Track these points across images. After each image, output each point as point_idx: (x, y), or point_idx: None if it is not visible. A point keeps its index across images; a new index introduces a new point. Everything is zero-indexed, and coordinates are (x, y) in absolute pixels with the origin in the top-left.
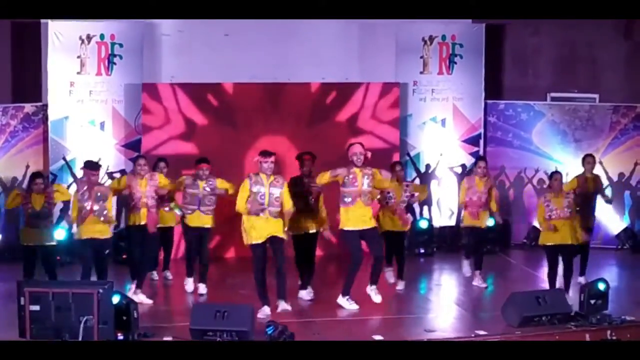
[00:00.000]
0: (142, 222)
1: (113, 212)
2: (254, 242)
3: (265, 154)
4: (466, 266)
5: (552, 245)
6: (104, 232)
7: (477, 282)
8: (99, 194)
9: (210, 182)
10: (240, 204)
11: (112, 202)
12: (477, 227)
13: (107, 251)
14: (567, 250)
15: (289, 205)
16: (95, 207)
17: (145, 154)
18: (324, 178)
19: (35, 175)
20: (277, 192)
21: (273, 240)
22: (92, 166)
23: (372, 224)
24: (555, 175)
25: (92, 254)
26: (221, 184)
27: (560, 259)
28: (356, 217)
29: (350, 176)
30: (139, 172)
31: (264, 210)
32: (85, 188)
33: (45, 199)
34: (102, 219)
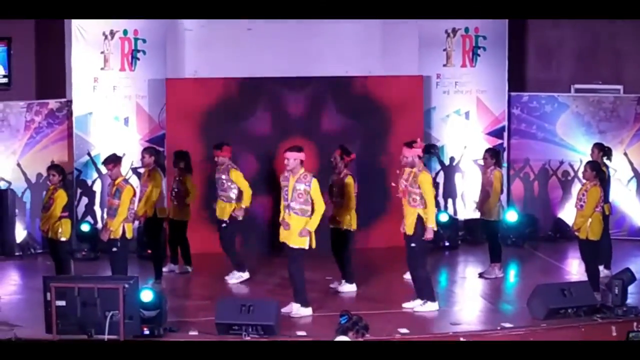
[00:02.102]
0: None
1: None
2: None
3: (291, 149)
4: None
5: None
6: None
7: (493, 274)
8: (115, 190)
9: (225, 170)
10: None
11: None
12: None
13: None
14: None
15: (319, 203)
16: (112, 203)
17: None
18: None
19: (49, 167)
20: (301, 187)
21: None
22: (104, 161)
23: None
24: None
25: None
26: (235, 178)
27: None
28: None
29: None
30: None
31: (286, 207)
32: (108, 184)
33: (50, 193)
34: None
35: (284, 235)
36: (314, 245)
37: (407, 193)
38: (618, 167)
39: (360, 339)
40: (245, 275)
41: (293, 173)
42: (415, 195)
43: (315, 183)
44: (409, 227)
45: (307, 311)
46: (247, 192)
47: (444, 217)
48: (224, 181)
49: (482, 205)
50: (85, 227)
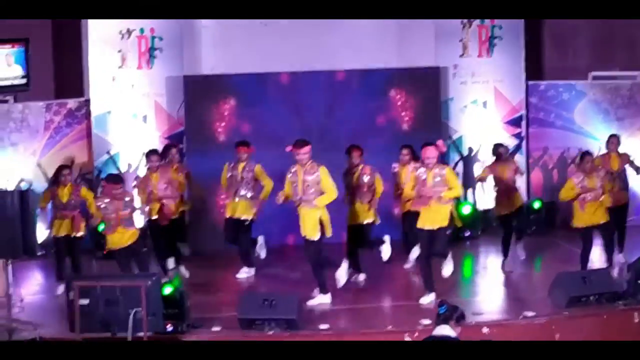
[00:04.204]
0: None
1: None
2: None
3: (297, 144)
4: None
5: (585, 227)
6: (133, 237)
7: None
8: (124, 202)
9: (249, 168)
10: (288, 193)
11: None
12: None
13: (144, 249)
14: (604, 227)
15: (329, 188)
16: (124, 215)
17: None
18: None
19: (61, 167)
20: (309, 178)
21: (304, 239)
22: (113, 180)
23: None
24: (586, 157)
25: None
26: (260, 173)
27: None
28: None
29: (423, 177)
30: (151, 169)
31: (298, 200)
32: (107, 201)
33: (72, 191)
34: (131, 227)
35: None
36: (328, 234)
37: (434, 193)
38: (636, 153)
39: (458, 328)
40: (252, 271)
41: (302, 166)
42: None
43: (323, 170)
44: (441, 221)
45: (325, 298)
46: (270, 186)
47: (466, 209)
48: (250, 179)
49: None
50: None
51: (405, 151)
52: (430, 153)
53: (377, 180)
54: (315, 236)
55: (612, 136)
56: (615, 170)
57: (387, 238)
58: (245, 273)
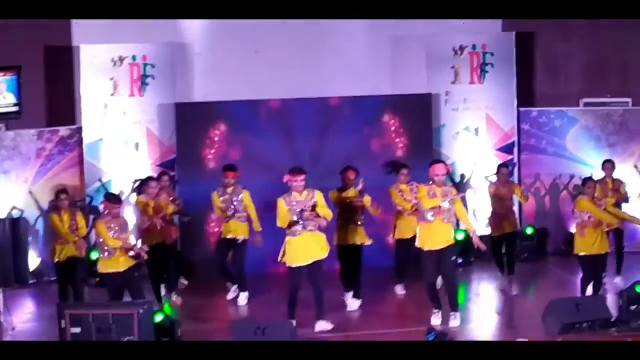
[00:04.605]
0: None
1: (133, 241)
2: (293, 265)
3: (294, 172)
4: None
5: (586, 255)
6: (127, 263)
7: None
8: (120, 226)
9: (237, 194)
10: (281, 218)
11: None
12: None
13: (136, 273)
14: (602, 257)
15: (325, 211)
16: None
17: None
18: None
19: (60, 191)
20: (310, 203)
21: (313, 264)
22: (113, 199)
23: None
24: (588, 182)
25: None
26: (248, 203)
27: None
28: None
29: (431, 192)
30: (149, 193)
31: (300, 224)
32: (108, 220)
33: (70, 215)
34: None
35: (311, 253)
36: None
37: (441, 212)
38: (628, 180)
39: None
40: (244, 295)
41: (300, 193)
42: (449, 212)
43: (319, 195)
44: (447, 241)
45: (327, 324)
46: (256, 217)
47: (459, 236)
48: (239, 202)
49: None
50: (95, 255)
51: (404, 171)
52: (440, 170)
53: (366, 200)
54: (325, 254)
55: (607, 161)
56: (608, 197)
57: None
58: (234, 292)
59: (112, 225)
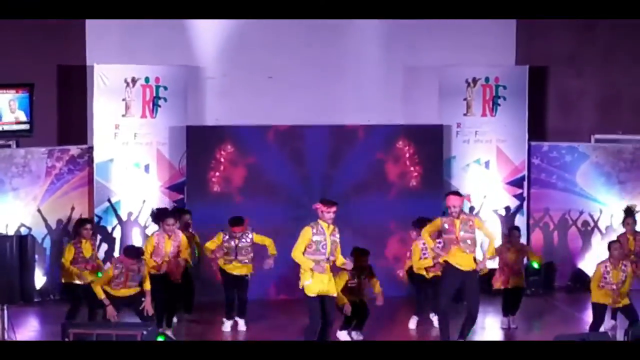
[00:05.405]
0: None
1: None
2: (312, 295)
3: (327, 203)
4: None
5: (602, 304)
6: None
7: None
8: (135, 275)
9: (246, 238)
10: (298, 251)
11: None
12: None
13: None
14: (626, 309)
15: (340, 260)
16: (130, 283)
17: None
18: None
19: (84, 221)
20: (336, 238)
21: (326, 297)
22: (133, 254)
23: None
24: (613, 244)
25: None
26: (258, 238)
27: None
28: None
29: (446, 225)
30: (167, 232)
31: (326, 260)
32: (121, 272)
33: (92, 245)
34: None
35: (329, 287)
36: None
37: (460, 241)
38: (638, 218)
39: None
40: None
41: (328, 226)
42: (470, 240)
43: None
44: (470, 264)
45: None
46: (272, 243)
47: None
48: (248, 247)
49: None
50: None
51: (414, 232)
52: (455, 201)
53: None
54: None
55: (628, 217)
56: (632, 251)
57: None
58: (228, 326)
59: (122, 278)
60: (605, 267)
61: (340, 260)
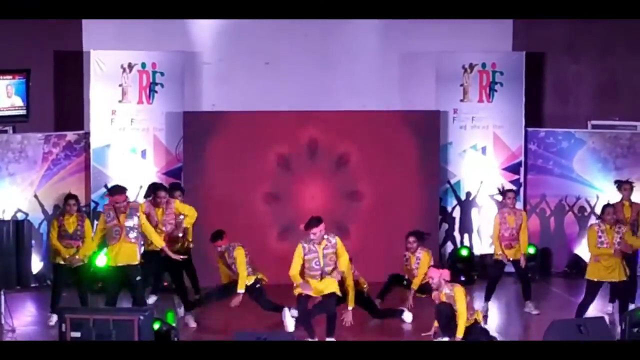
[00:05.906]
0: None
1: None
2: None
3: (309, 226)
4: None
5: (596, 282)
6: (133, 258)
7: (529, 309)
8: (129, 211)
9: (230, 255)
10: (295, 270)
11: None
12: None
13: (138, 278)
14: (617, 287)
15: (345, 260)
16: (128, 224)
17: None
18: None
19: (68, 196)
20: (330, 251)
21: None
22: (118, 191)
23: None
24: (607, 209)
25: (121, 281)
26: (239, 256)
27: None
28: None
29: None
30: (160, 205)
31: (320, 275)
32: (111, 210)
33: (77, 221)
34: (133, 235)
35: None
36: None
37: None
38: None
39: None
40: None
41: (319, 243)
42: None
43: (339, 241)
44: None
45: None
46: (244, 278)
47: (464, 252)
48: (233, 263)
49: (512, 245)
50: (102, 259)
51: (411, 239)
52: (433, 274)
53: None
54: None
55: (625, 182)
56: (628, 219)
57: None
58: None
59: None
60: (599, 226)
61: (345, 260)
